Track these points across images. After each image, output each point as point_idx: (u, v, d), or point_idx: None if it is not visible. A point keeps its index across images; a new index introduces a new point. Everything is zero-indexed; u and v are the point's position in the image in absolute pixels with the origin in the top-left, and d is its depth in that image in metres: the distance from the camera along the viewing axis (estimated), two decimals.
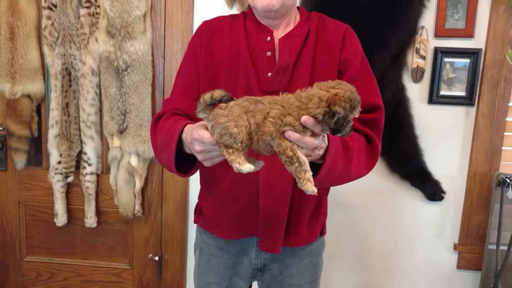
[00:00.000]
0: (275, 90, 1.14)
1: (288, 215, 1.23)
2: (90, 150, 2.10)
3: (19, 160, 2.17)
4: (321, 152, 0.98)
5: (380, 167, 2.07)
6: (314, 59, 1.19)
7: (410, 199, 2.09)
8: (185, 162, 1.12)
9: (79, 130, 2.09)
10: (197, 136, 0.96)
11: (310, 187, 0.90)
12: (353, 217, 2.15)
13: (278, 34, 1.23)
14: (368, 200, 2.12)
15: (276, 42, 1.22)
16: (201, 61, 1.25)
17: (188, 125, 1.06)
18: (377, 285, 2.20)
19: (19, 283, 2.36)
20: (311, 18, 1.25)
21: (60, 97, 2.05)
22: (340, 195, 2.11)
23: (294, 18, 1.25)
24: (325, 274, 2.18)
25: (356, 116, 0.90)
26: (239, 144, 0.92)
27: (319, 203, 1.30)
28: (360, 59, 1.23)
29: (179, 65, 1.33)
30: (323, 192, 1.32)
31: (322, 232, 1.38)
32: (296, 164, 0.90)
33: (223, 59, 1.23)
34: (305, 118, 0.87)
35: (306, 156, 0.92)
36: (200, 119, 1.00)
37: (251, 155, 1.00)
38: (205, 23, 1.31)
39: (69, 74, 2.05)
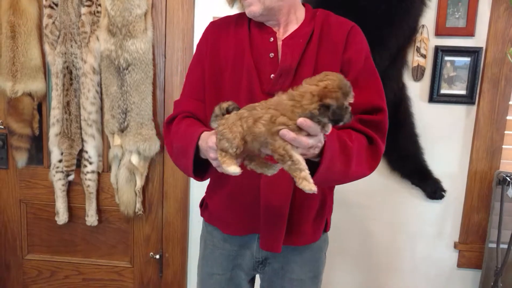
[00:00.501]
0: (277, 92, 1.14)
1: (292, 215, 1.23)
2: (91, 148, 2.10)
3: (20, 159, 2.17)
4: (317, 151, 0.98)
5: (380, 166, 2.06)
6: (317, 61, 1.17)
7: (411, 197, 2.10)
8: (200, 166, 1.17)
9: (80, 128, 2.09)
10: (211, 144, 1.02)
11: (306, 186, 0.90)
12: (354, 215, 2.15)
13: (280, 34, 1.22)
14: (368, 198, 2.12)
15: (279, 43, 1.21)
16: (207, 62, 1.26)
17: (204, 132, 1.10)
18: (377, 283, 2.20)
19: (21, 281, 2.37)
20: (316, 16, 1.23)
21: (61, 96, 2.05)
22: (341, 194, 2.11)
23: (296, 17, 1.23)
24: (326, 272, 2.18)
25: (351, 101, 0.89)
26: (234, 149, 0.96)
27: (324, 202, 1.30)
28: (364, 59, 1.20)
29: (188, 65, 1.34)
30: (327, 190, 1.31)
31: (326, 228, 1.37)
32: (289, 162, 0.91)
33: (228, 61, 1.23)
34: (301, 121, 0.88)
35: (301, 155, 0.93)
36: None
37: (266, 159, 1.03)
38: (212, 24, 1.31)
39: (70, 72, 2.05)
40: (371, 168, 1.16)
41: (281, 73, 1.17)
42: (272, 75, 1.18)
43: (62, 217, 2.20)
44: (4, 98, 2.12)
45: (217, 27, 1.29)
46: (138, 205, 2.15)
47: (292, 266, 1.32)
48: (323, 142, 0.98)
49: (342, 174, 1.09)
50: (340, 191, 2.10)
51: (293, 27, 1.22)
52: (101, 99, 2.09)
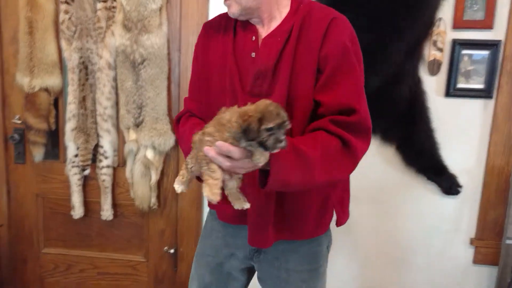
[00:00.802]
0: (257, 93, 1.14)
1: (289, 211, 1.23)
2: (107, 143, 2.12)
3: (37, 153, 2.20)
4: (254, 168, 1.01)
5: (395, 160, 2.06)
6: (295, 60, 1.13)
7: (426, 193, 2.08)
8: None
9: (96, 123, 2.11)
10: None
11: (206, 192, 1.00)
12: (368, 211, 2.14)
13: (264, 31, 1.20)
14: (383, 193, 2.11)
15: (260, 41, 1.19)
16: (199, 66, 1.29)
17: None
18: (392, 279, 2.19)
19: (37, 274, 2.40)
20: (300, 9, 1.18)
21: (77, 91, 2.07)
22: (354, 188, 2.08)
23: (279, 12, 1.19)
24: (340, 267, 2.18)
25: (268, 126, 0.91)
26: (190, 166, 1.11)
27: (327, 198, 1.27)
28: (341, 55, 1.12)
29: None
30: (331, 187, 1.28)
31: (336, 223, 1.34)
32: (205, 167, 1.02)
33: (216, 63, 1.23)
34: (219, 144, 0.94)
35: (228, 171, 1.01)
36: None
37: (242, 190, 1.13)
38: (204, 25, 1.33)
39: (86, 68, 2.07)
40: (347, 171, 1.13)
41: (258, 75, 1.15)
42: None
43: (78, 211, 2.22)
44: (22, 94, 2.14)
45: (208, 29, 1.30)
46: (153, 200, 2.17)
47: (287, 257, 1.30)
48: (256, 166, 1.00)
49: (303, 184, 1.08)
50: (353, 185, 2.08)
51: (276, 23, 1.19)
52: (117, 94, 2.10)
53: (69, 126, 2.11)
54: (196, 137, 1.05)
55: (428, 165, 2.04)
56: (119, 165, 2.22)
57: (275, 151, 0.95)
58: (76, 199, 2.20)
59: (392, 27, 1.85)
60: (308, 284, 1.31)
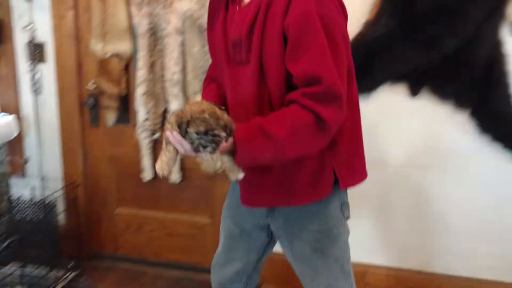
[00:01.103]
0: (238, 61, 1.19)
1: (280, 177, 1.23)
2: (175, 108, 2.17)
3: (110, 117, 2.30)
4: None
5: (469, 127, 1.97)
6: (264, 29, 1.13)
7: (501, 161, 1.98)
8: None
9: (164, 88, 2.17)
10: None
11: (157, 164, 1.13)
12: (437, 179, 2.07)
13: (247, 0, 1.20)
14: (454, 161, 2.03)
15: None
16: (207, 36, 1.36)
17: None
18: (462, 251, 2.12)
19: (111, 232, 2.55)
20: None
21: (146, 56, 2.13)
22: (424, 155, 2.04)
23: None
24: (406, 237, 2.15)
25: (190, 130, 1.01)
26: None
27: (320, 164, 1.23)
28: (302, 22, 1.09)
29: None
30: (326, 152, 1.22)
31: (335, 186, 1.28)
32: (164, 145, 1.13)
33: (215, 33, 1.28)
34: (174, 134, 1.05)
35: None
36: None
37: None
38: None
39: (155, 33, 2.11)
40: (319, 144, 1.14)
41: (235, 43, 1.18)
42: None
43: (147, 174, 2.31)
44: (95, 60, 2.24)
45: (212, 2, 1.33)
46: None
47: (298, 216, 1.30)
48: (202, 156, 1.08)
49: (274, 160, 1.14)
50: (423, 151, 2.04)
51: None
52: (184, 60, 2.13)
53: (139, 91, 2.18)
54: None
55: (506, 133, 1.93)
56: None
57: (200, 154, 1.05)
58: (146, 162, 2.29)
59: None
60: (322, 243, 1.30)
